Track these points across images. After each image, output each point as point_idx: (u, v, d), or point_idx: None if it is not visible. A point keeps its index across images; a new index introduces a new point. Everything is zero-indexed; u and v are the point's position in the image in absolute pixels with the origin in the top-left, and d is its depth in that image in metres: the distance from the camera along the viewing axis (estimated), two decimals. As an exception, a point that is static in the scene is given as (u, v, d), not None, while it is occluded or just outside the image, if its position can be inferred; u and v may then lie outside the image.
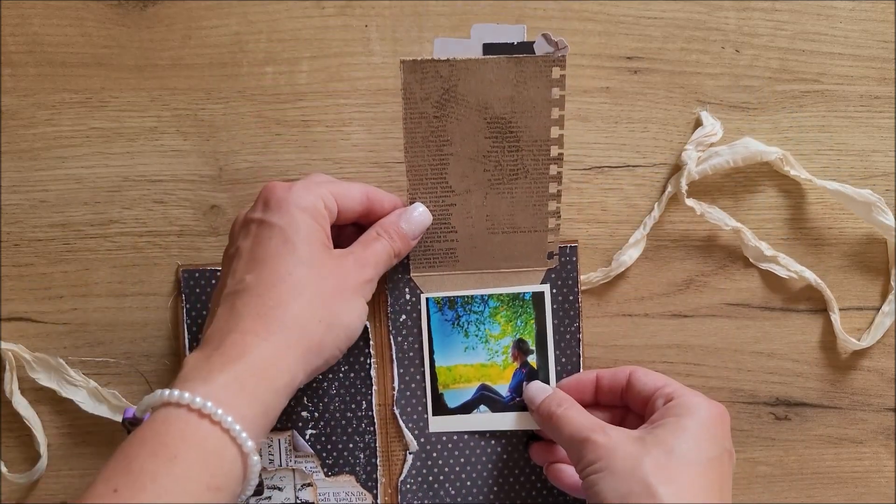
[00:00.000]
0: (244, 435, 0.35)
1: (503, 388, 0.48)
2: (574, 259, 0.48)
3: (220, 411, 0.34)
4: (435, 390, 0.48)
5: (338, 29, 0.50)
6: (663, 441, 0.40)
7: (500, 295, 0.47)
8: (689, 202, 0.49)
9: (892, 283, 0.51)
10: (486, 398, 0.48)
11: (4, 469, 0.49)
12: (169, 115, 0.50)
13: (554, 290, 0.48)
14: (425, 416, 0.48)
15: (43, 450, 0.49)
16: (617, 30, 0.50)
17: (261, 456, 0.46)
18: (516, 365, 0.48)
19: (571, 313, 0.48)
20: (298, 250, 0.39)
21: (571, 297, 0.48)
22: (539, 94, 0.42)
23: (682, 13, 0.51)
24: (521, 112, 0.43)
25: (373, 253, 0.43)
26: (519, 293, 0.48)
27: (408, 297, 0.48)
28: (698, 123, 0.50)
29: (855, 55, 0.51)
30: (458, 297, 0.47)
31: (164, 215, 0.50)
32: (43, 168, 0.49)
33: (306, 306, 0.39)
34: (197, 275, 0.48)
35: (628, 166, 0.51)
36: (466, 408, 0.48)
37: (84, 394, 0.49)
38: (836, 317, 0.51)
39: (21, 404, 0.49)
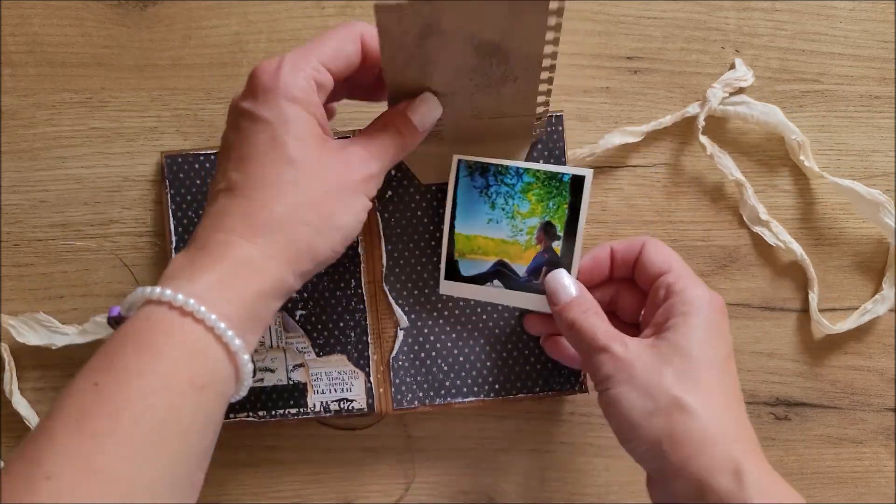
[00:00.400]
0: (230, 333, 0.34)
1: (521, 268, 0.46)
2: (560, 129, 0.48)
3: (203, 309, 0.33)
4: (451, 256, 0.46)
5: (338, 29, 0.50)
6: (679, 347, 0.39)
7: (537, 171, 0.45)
8: (703, 139, 0.49)
9: (884, 284, 0.51)
10: (501, 274, 0.46)
11: (4, 469, 0.49)
12: (169, 115, 0.50)
13: (541, 161, 0.47)
14: (416, 292, 0.48)
15: (43, 450, 0.49)
16: (617, 30, 0.51)
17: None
18: (539, 248, 0.45)
19: None
20: (288, 148, 0.37)
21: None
22: (534, 24, 0.38)
23: (682, 13, 0.51)
24: (511, 37, 0.38)
25: (379, 146, 0.40)
26: (557, 173, 0.45)
27: (393, 172, 0.47)
28: (731, 68, 0.51)
29: (855, 55, 0.51)
30: (491, 164, 0.45)
31: (164, 215, 0.50)
32: (43, 168, 0.49)
33: (295, 209, 0.37)
34: (180, 160, 0.48)
35: (628, 166, 0.51)
36: (479, 280, 0.46)
37: (74, 335, 0.48)
38: (814, 296, 0.51)
39: (21, 404, 0.49)
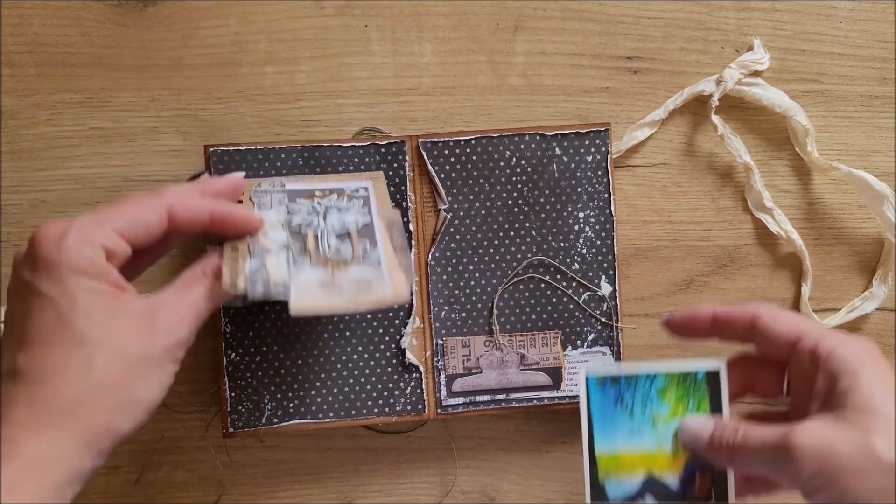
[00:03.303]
0: None
1: (673, 478, 0.42)
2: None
3: None
4: (594, 479, 0.42)
5: (338, 29, 0.50)
6: (869, 410, 0.35)
7: (668, 373, 0.42)
8: (715, 119, 0.50)
9: (874, 281, 0.51)
10: (653, 489, 0.42)
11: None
12: (169, 115, 0.50)
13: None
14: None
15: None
16: (617, 30, 0.51)
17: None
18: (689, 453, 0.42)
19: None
20: (77, 327, 0.34)
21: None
22: None
23: (682, 13, 0.51)
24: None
25: (191, 303, 0.37)
26: (690, 372, 0.42)
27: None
28: (749, 50, 0.51)
29: (855, 55, 0.51)
30: (621, 375, 0.42)
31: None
32: (43, 168, 0.49)
33: (89, 392, 0.34)
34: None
35: (628, 166, 0.51)
36: (631, 500, 0.42)
37: None
38: (806, 289, 0.51)
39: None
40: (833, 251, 0.52)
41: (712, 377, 0.42)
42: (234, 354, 0.47)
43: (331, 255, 0.40)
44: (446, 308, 0.49)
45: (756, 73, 0.51)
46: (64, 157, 0.49)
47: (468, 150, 0.48)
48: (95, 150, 0.49)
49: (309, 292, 0.37)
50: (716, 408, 0.42)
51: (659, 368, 0.42)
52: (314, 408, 0.47)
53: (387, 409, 0.48)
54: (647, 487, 0.42)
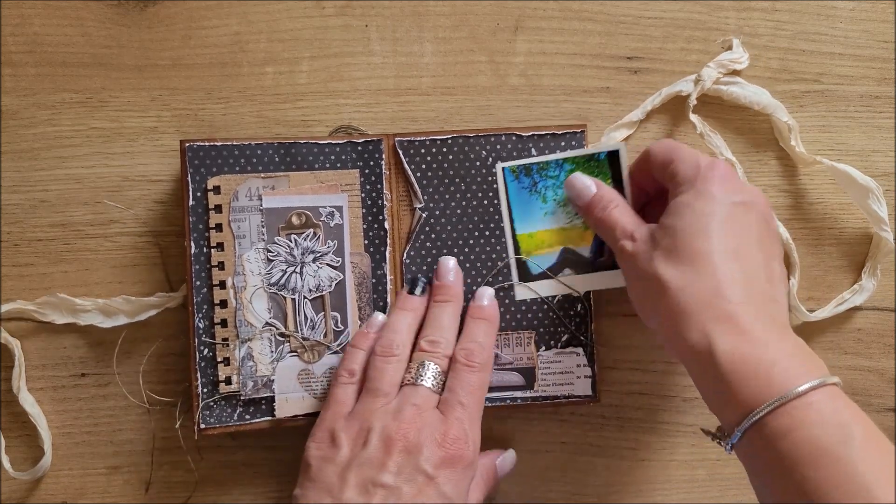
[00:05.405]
0: None
1: (585, 249, 0.48)
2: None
3: None
4: (519, 258, 0.48)
5: (338, 29, 0.50)
6: (667, 227, 0.41)
7: (575, 157, 0.47)
8: (693, 118, 0.49)
9: (863, 274, 0.51)
10: (569, 261, 0.48)
11: (8, 466, 0.49)
12: (169, 115, 0.50)
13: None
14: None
15: (47, 447, 0.49)
16: (617, 30, 0.51)
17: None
18: None
19: None
20: None
21: None
22: None
23: (682, 13, 0.51)
24: None
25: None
26: (593, 154, 0.47)
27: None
28: (727, 49, 0.51)
29: (855, 55, 0.51)
30: (532, 163, 0.48)
31: (164, 215, 0.50)
32: (43, 168, 0.49)
33: None
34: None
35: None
36: (551, 271, 0.48)
37: (98, 315, 0.49)
38: (794, 282, 0.51)
39: (28, 401, 0.49)
40: (829, 249, 0.52)
41: (613, 157, 0.47)
42: (206, 350, 0.47)
43: (306, 340, 0.47)
44: None
45: (735, 73, 0.51)
46: (64, 157, 0.49)
47: (444, 150, 0.48)
48: (95, 150, 0.49)
49: (291, 386, 0.47)
50: (618, 184, 0.47)
51: (565, 155, 0.47)
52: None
53: None
54: (564, 259, 0.48)
